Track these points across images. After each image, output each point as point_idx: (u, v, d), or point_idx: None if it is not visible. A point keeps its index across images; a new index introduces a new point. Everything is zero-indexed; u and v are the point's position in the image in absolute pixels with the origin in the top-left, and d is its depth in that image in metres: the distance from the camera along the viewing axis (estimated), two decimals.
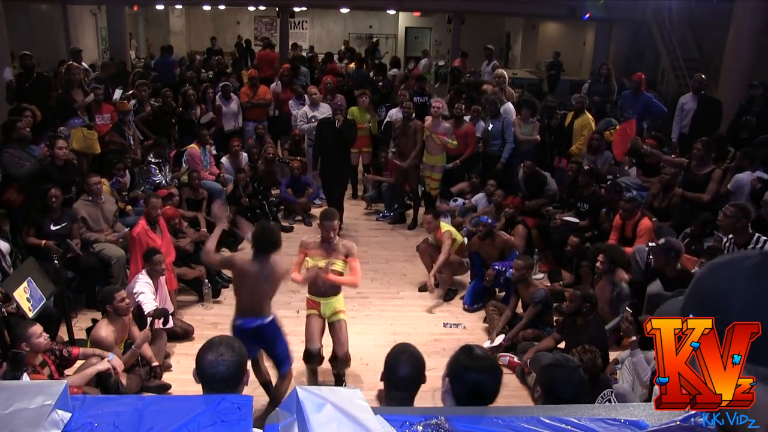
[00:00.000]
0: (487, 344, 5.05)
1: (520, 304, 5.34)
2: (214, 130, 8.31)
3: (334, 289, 4.44)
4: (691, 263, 5.00)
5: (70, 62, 8.25)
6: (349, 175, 7.92)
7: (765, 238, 4.40)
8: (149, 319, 4.58)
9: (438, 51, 20.27)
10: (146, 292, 4.68)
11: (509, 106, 7.99)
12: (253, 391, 4.32)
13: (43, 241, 5.23)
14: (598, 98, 8.71)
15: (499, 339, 5.12)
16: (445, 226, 6.19)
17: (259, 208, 7.59)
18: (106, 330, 4.23)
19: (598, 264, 5.05)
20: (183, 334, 5.13)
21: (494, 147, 7.73)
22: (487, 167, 7.74)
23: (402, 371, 2.41)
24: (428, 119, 7.48)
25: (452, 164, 7.62)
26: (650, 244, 5.03)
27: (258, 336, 3.97)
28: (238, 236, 7.01)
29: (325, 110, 7.95)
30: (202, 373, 2.06)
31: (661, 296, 4.43)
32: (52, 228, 5.37)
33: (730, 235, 4.59)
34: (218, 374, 2.02)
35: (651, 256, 4.92)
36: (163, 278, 5.01)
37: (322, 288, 4.39)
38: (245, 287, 3.93)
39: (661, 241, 4.83)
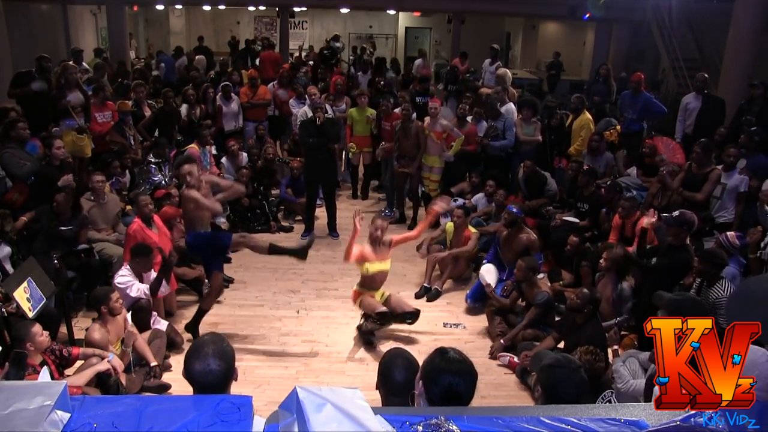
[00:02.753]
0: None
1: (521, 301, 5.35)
2: (214, 130, 8.31)
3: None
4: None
5: (66, 62, 8.24)
6: (335, 174, 7.91)
7: None
8: (129, 314, 4.62)
9: (438, 51, 20.27)
10: (128, 283, 4.74)
11: (511, 106, 7.97)
12: (253, 391, 4.33)
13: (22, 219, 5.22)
14: (598, 98, 8.70)
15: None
16: (473, 228, 6.30)
17: (259, 208, 7.60)
18: (99, 332, 4.24)
19: (601, 261, 5.04)
20: (171, 343, 4.98)
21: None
22: (488, 167, 7.73)
23: (398, 376, 2.38)
24: (427, 119, 7.48)
25: (452, 153, 7.56)
26: (663, 214, 5.05)
27: None
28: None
29: (327, 110, 7.96)
30: (189, 377, 2.08)
31: (660, 296, 4.44)
32: (60, 228, 5.36)
33: None
34: (206, 383, 2.06)
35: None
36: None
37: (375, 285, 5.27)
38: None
39: (676, 213, 4.88)
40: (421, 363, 2.43)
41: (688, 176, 6.09)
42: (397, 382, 2.37)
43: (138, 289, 4.77)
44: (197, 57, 12.31)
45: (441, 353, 2.11)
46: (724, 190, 5.85)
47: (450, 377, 2.01)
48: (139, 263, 4.86)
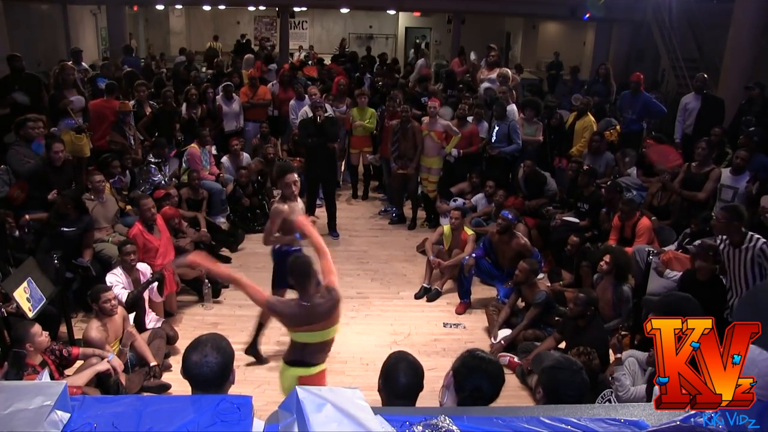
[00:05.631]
0: (492, 340, 5.18)
1: (521, 302, 5.35)
2: (214, 132, 8.31)
3: None
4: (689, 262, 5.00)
5: (64, 62, 8.21)
6: (335, 173, 7.88)
7: (758, 236, 4.42)
8: (132, 316, 4.61)
9: (438, 51, 20.28)
10: (114, 284, 4.72)
11: (514, 107, 7.95)
12: (253, 390, 4.33)
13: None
14: (597, 98, 8.69)
15: (502, 333, 5.15)
16: (469, 230, 6.27)
17: (259, 207, 7.59)
18: (96, 330, 4.25)
19: (602, 264, 5.03)
20: (167, 339, 4.98)
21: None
22: (489, 167, 7.71)
23: (402, 379, 2.40)
24: (426, 119, 7.47)
25: (448, 149, 7.51)
26: (696, 242, 4.97)
27: None
28: (238, 236, 7.02)
29: (327, 110, 7.94)
30: (186, 372, 2.08)
31: (649, 301, 4.47)
32: (63, 229, 5.34)
33: (724, 236, 4.60)
34: (201, 375, 2.04)
35: (651, 258, 4.91)
36: (145, 266, 5.05)
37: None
38: None
39: (698, 242, 4.82)
40: (422, 365, 2.49)
41: (687, 176, 6.10)
42: (401, 385, 2.40)
43: (118, 293, 4.69)
44: (247, 56, 12.17)
45: (474, 353, 2.39)
46: (736, 194, 5.79)
47: (480, 376, 2.27)
48: (124, 258, 4.86)
